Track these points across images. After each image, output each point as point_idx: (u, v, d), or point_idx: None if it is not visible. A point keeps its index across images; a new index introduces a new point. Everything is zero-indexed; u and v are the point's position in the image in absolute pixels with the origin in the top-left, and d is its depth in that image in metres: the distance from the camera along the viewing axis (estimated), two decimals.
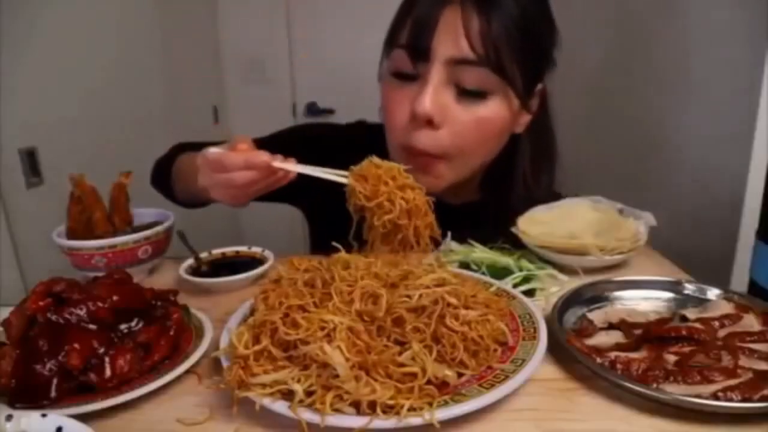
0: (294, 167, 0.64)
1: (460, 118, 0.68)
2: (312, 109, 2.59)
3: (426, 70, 0.67)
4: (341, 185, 0.63)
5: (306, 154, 0.66)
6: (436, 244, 0.68)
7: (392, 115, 0.72)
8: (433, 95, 0.66)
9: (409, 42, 0.68)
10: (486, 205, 0.82)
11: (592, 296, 0.60)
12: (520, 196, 0.79)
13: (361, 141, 0.75)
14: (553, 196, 0.81)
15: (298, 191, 0.73)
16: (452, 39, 0.65)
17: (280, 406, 0.40)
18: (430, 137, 0.69)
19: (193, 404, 0.45)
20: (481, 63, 0.65)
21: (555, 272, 0.68)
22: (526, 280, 0.65)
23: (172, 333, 0.51)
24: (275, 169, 0.64)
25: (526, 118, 0.76)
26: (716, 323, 0.53)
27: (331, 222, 0.63)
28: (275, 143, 0.70)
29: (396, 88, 0.71)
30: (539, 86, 0.75)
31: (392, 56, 0.71)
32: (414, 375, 0.42)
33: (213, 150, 0.64)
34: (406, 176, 0.61)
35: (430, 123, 0.68)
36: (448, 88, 0.68)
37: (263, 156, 0.63)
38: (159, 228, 0.71)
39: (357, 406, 0.40)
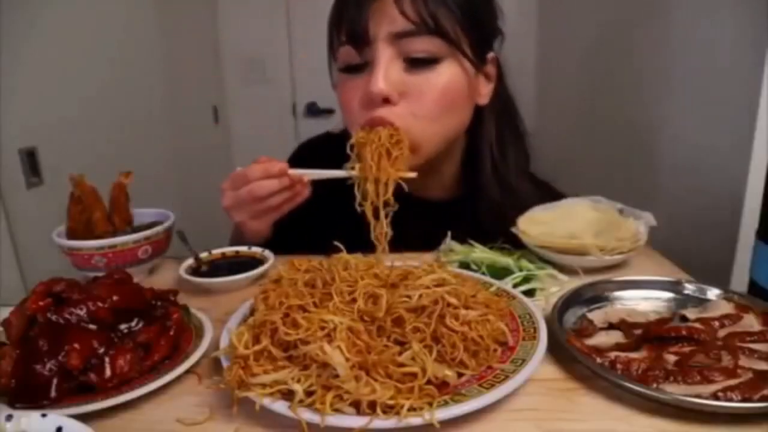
0: (303, 172, 0.70)
1: (416, 87, 0.68)
2: (312, 109, 2.59)
3: (371, 54, 0.68)
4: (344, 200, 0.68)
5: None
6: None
7: (348, 104, 0.73)
8: (384, 73, 0.67)
9: (348, 32, 0.69)
10: (466, 200, 0.82)
11: (592, 296, 0.60)
12: (493, 181, 0.79)
13: (332, 150, 0.76)
14: (535, 182, 0.82)
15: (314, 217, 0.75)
16: (387, 15, 0.66)
17: (280, 406, 0.40)
18: (389, 112, 0.69)
19: (193, 404, 0.45)
20: (422, 31, 0.66)
21: (555, 272, 0.68)
22: (526, 280, 0.65)
23: (172, 333, 0.51)
24: (294, 181, 0.69)
25: (487, 88, 0.77)
26: (716, 323, 0.53)
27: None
28: None
29: (348, 80, 0.73)
30: (491, 54, 0.75)
31: (338, 56, 0.73)
32: (414, 375, 0.42)
33: (238, 168, 0.68)
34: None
35: (387, 101, 0.68)
36: (397, 63, 0.68)
37: (279, 164, 0.68)
38: (159, 228, 0.71)
39: (357, 406, 0.40)
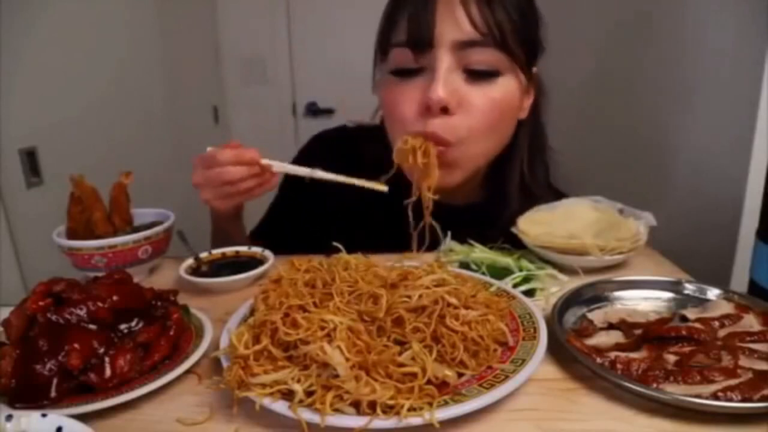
0: (278, 165, 0.69)
1: (474, 100, 0.67)
2: (312, 109, 2.59)
3: (431, 60, 0.66)
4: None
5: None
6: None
7: (400, 111, 0.70)
8: (445, 82, 0.65)
9: (411, 35, 0.66)
10: (488, 206, 0.81)
11: (592, 296, 0.60)
12: (517, 192, 0.78)
13: (346, 146, 0.75)
14: (557, 194, 0.81)
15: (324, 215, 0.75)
16: (454, 23, 0.64)
17: (280, 406, 0.40)
18: (444, 124, 0.67)
19: (193, 404, 0.45)
20: (487, 43, 0.65)
21: (555, 272, 0.68)
22: (526, 280, 0.65)
23: (172, 333, 0.51)
24: (264, 169, 0.68)
25: (528, 102, 0.76)
26: (716, 323, 0.53)
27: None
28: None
29: (399, 85, 0.70)
30: (534, 68, 0.75)
31: (391, 56, 0.70)
32: (414, 375, 0.42)
33: (209, 148, 0.68)
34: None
35: (444, 110, 0.66)
36: (457, 73, 0.67)
37: (252, 152, 0.68)
38: (159, 228, 0.71)
39: (357, 406, 0.40)
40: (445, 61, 0.65)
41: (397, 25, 0.69)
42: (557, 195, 0.82)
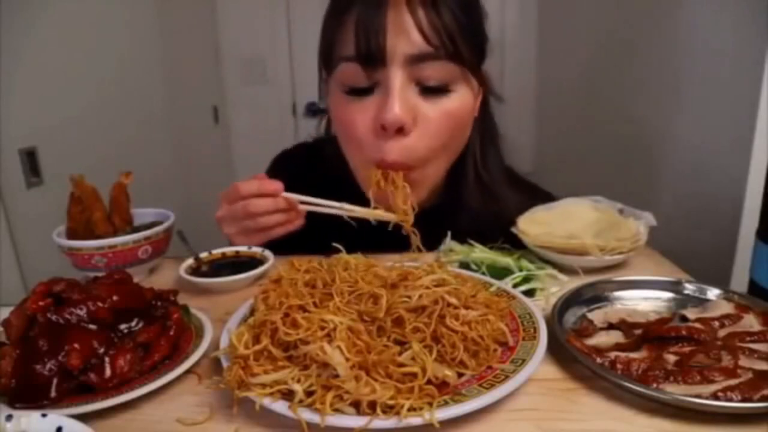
0: (299, 198, 0.68)
1: (429, 116, 0.65)
2: (312, 109, 2.59)
3: (383, 76, 0.63)
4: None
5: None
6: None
7: (355, 132, 0.67)
8: (400, 100, 0.62)
9: (360, 51, 0.62)
10: (450, 205, 0.79)
11: (592, 296, 0.60)
12: (474, 185, 0.77)
13: (308, 162, 0.75)
14: (542, 196, 0.81)
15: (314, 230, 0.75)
16: (405, 37, 0.61)
17: (280, 406, 0.40)
18: (402, 147, 0.65)
19: (193, 404, 0.45)
20: (440, 55, 0.62)
21: (555, 272, 0.68)
22: (526, 280, 0.65)
23: (172, 333, 0.51)
24: (291, 205, 0.67)
25: (478, 102, 0.75)
26: (716, 323, 0.53)
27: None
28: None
29: (351, 103, 0.67)
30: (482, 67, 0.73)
31: (339, 71, 0.66)
32: (414, 375, 0.42)
33: (235, 183, 0.67)
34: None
35: (400, 130, 0.64)
36: (411, 88, 0.64)
37: (275, 184, 0.67)
38: (159, 228, 0.71)
39: (357, 406, 0.40)
40: (398, 77, 0.62)
41: (342, 31, 0.64)
42: (519, 185, 0.82)
